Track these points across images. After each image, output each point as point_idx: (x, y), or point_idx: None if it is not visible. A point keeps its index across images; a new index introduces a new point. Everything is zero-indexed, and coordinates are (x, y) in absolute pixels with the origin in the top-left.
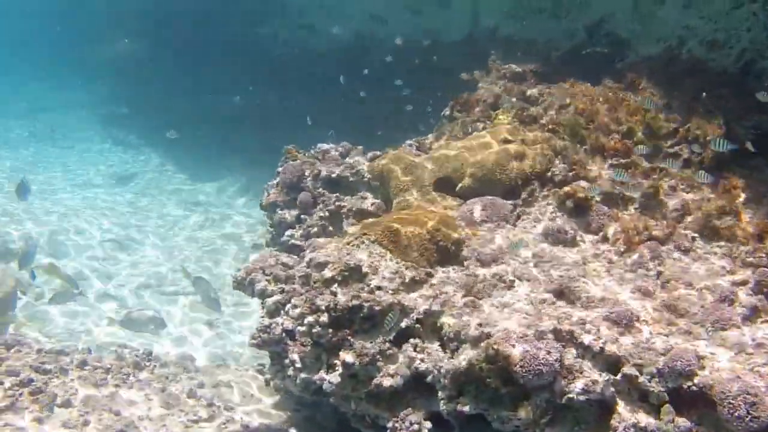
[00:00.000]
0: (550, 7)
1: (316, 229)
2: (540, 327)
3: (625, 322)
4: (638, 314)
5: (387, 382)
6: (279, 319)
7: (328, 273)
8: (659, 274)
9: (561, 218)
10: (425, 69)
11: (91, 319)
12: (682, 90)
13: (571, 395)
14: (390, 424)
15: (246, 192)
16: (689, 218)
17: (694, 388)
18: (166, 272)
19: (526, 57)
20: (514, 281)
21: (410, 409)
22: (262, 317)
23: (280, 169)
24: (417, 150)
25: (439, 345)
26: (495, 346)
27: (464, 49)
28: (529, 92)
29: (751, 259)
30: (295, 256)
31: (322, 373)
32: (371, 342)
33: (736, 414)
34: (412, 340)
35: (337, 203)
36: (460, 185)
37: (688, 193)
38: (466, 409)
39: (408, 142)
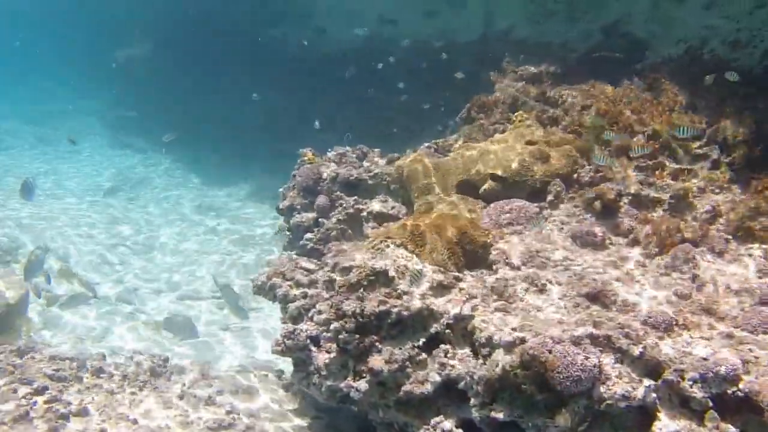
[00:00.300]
0: (566, 9)
1: (334, 232)
2: (576, 332)
3: (664, 326)
4: (676, 318)
5: (417, 389)
6: (303, 325)
7: (353, 277)
8: (694, 276)
9: (589, 220)
10: (437, 70)
11: (103, 324)
12: (706, 90)
13: (610, 401)
14: None
15: (257, 195)
16: (721, 220)
17: (739, 393)
18: (179, 277)
19: (542, 59)
20: (545, 285)
21: (441, 416)
22: (285, 323)
23: (296, 171)
24: (436, 152)
25: (470, 350)
26: (531, 352)
27: (477, 51)
28: (548, 94)
29: None
30: (315, 260)
31: (349, 381)
32: (400, 348)
33: None
34: (442, 346)
35: (355, 206)
36: (483, 187)
37: (717, 194)
38: (500, 416)
39: (426, 144)
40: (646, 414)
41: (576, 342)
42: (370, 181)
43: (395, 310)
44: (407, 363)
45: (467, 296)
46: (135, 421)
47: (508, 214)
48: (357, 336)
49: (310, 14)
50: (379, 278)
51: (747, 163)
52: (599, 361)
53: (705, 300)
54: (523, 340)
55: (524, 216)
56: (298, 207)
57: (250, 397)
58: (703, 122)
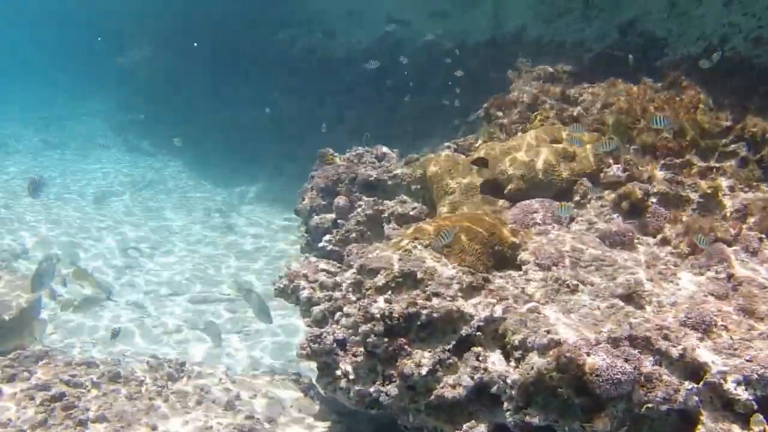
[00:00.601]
0: (580, 7)
1: (354, 234)
2: (614, 333)
3: (704, 327)
4: (715, 319)
5: (449, 393)
6: (330, 329)
7: (381, 279)
8: (729, 276)
9: (617, 220)
10: (450, 71)
11: (115, 327)
12: (729, 88)
13: (650, 405)
14: None
15: (265, 197)
16: (752, 219)
17: None
18: (190, 280)
19: (556, 58)
20: (577, 286)
21: (473, 421)
22: (309, 326)
23: (314, 172)
24: (456, 152)
25: (501, 353)
26: (568, 355)
27: (487, 52)
28: (567, 92)
29: None
30: (335, 263)
31: (379, 385)
32: (430, 351)
33: None
34: (474, 349)
35: (375, 207)
36: (509, 187)
37: (746, 192)
38: (535, 420)
39: (446, 143)
40: (687, 417)
41: (615, 344)
42: (389, 182)
43: (425, 312)
44: (438, 366)
45: (497, 298)
46: (154, 427)
47: (535, 214)
48: (386, 339)
49: (318, 17)
50: (407, 280)
51: None
52: (639, 364)
53: (743, 300)
54: (558, 343)
55: (552, 216)
56: (317, 208)
57: (269, 401)
58: (728, 120)
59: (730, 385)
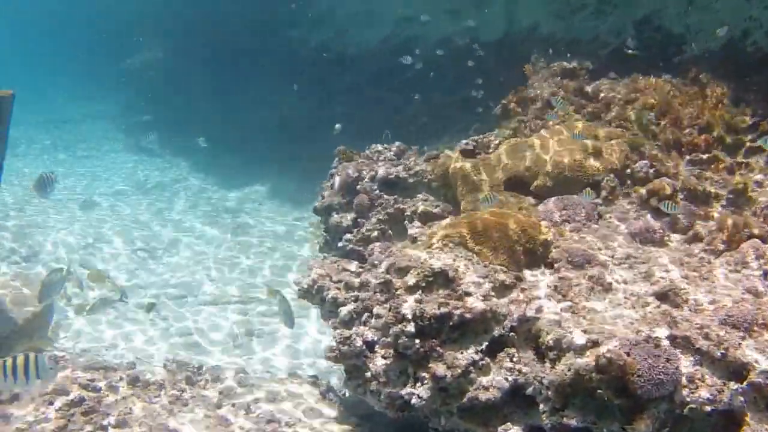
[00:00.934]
0: (595, 3)
1: (375, 233)
2: (653, 333)
3: (746, 326)
4: (756, 317)
5: (483, 395)
6: (358, 330)
7: (411, 279)
8: (766, 273)
9: (646, 216)
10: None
11: (126, 330)
12: (753, 83)
13: (694, 405)
14: None
15: (275, 197)
16: None
17: None
18: (199, 281)
19: (571, 55)
20: (611, 284)
21: (509, 423)
22: (336, 328)
23: (333, 170)
24: (475, 148)
25: (534, 354)
26: (608, 355)
27: (501, 49)
28: (586, 89)
29: None
30: (357, 262)
31: (410, 387)
32: (462, 352)
33: None
34: (508, 350)
35: (396, 206)
36: (535, 184)
37: None
38: (573, 422)
39: (464, 140)
40: (731, 418)
41: (655, 344)
42: (410, 180)
43: (457, 312)
44: (470, 368)
45: (530, 297)
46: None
47: (564, 211)
48: (417, 340)
49: (329, 15)
50: (438, 279)
51: None
52: (680, 364)
53: None
54: (595, 343)
55: (581, 213)
56: (336, 207)
57: (288, 405)
58: (752, 115)
59: None
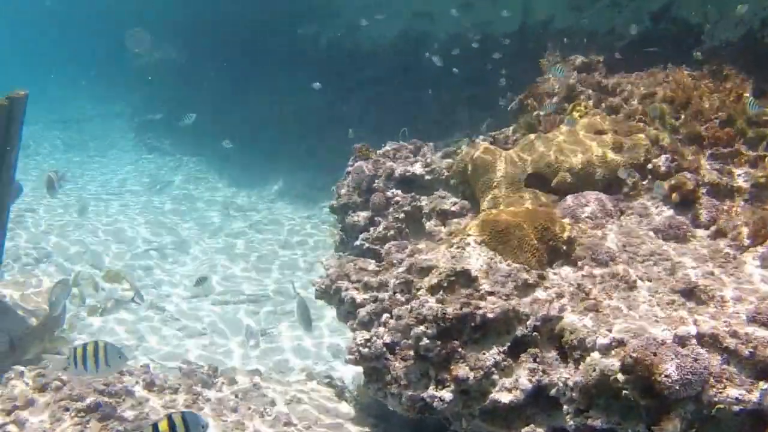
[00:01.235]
0: None
1: (391, 231)
2: (679, 331)
3: None
4: None
5: (506, 397)
6: (378, 331)
7: (433, 279)
8: None
9: (669, 212)
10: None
11: (138, 331)
12: None
13: (722, 405)
14: None
15: (287, 195)
16: None
17: None
18: (211, 279)
19: (587, 47)
20: (635, 281)
21: (532, 425)
22: (354, 329)
23: (350, 168)
24: (493, 144)
25: (557, 354)
26: (634, 355)
27: (516, 43)
28: (604, 82)
29: None
30: (374, 261)
31: (432, 390)
32: (484, 353)
33: None
34: (531, 350)
35: (413, 203)
36: (556, 180)
37: None
38: (597, 423)
39: (481, 136)
40: (760, 418)
41: (681, 343)
42: (427, 177)
43: (479, 312)
44: (493, 369)
45: (554, 295)
46: None
47: (586, 207)
48: (438, 342)
49: (342, 11)
50: (460, 278)
51: None
52: (708, 363)
53: None
54: (621, 342)
55: (603, 209)
56: (352, 205)
57: (305, 407)
58: None
59: None
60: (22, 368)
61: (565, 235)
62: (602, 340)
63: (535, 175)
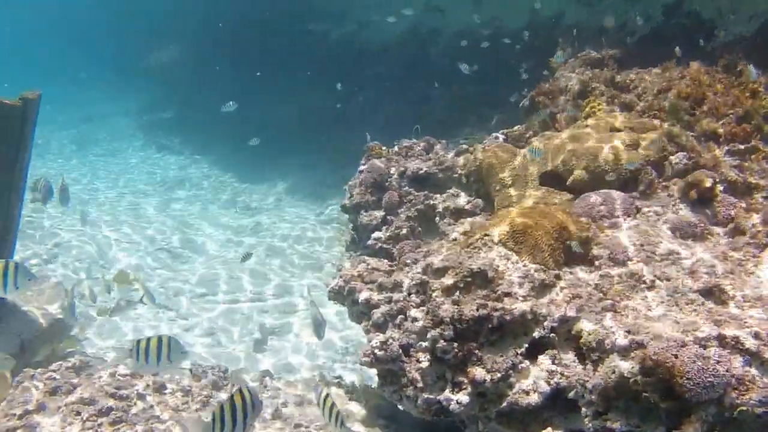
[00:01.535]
0: None
1: (404, 230)
2: (700, 333)
3: None
4: None
5: (524, 399)
6: (394, 334)
7: (449, 280)
8: None
9: (686, 210)
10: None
11: (147, 332)
12: None
13: (745, 408)
14: None
15: (296, 193)
16: None
17: None
18: (220, 279)
19: (599, 42)
20: (653, 281)
21: (549, 428)
22: (368, 331)
23: (362, 167)
24: (505, 142)
25: (574, 356)
26: (654, 357)
27: (526, 38)
28: (617, 78)
29: None
30: (386, 261)
31: (448, 393)
32: (501, 355)
33: None
34: (549, 352)
35: (426, 202)
36: (572, 178)
37: None
38: (616, 426)
39: (494, 134)
40: None
41: (702, 344)
42: (440, 175)
43: (497, 314)
44: (510, 371)
45: (571, 296)
46: None
47: (602, 206)
48: (455, 344)
49: (347, 8)
50: (477, 279)
51: None
52: (731, 365)
53: None
54: (640, 344)
55: (620, 207)
56: (365, 204)
57: (315, 408)
58: None
59: None
60: (33, 371)
61: (584, 234)
62: (621, 342)
63: (549, 174)
